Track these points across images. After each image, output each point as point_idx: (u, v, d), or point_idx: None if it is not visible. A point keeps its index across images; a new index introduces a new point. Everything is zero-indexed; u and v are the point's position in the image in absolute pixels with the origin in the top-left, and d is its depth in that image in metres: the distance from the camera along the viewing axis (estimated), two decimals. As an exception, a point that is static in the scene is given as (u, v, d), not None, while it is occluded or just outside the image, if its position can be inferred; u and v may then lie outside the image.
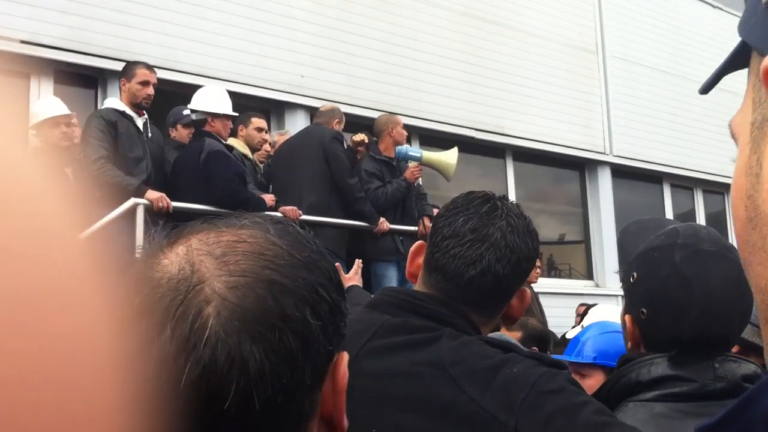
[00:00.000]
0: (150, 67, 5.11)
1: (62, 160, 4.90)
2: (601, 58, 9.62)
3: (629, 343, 1.50)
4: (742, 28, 0.48)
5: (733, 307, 1.38)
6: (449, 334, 1.35)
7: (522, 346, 1.79)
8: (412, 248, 1.54)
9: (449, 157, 6.11)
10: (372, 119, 7.24)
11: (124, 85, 5.03)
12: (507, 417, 1.22)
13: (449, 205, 1.50)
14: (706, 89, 0.56)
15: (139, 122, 5.04)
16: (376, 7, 7.64)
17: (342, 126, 5.99)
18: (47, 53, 5.72)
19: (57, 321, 0.27)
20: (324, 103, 6.41)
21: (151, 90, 5.04)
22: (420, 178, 6.13)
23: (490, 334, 1.51)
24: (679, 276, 1.38)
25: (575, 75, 9.27)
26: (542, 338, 4.44)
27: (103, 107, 5.06)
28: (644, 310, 1.44)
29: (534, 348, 4.18)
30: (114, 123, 4.82)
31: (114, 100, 5.06)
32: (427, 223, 6.04)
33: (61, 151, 4.92)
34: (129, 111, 4.97)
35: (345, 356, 0.77)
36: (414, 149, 6.19)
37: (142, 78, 5.00)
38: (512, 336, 4.21)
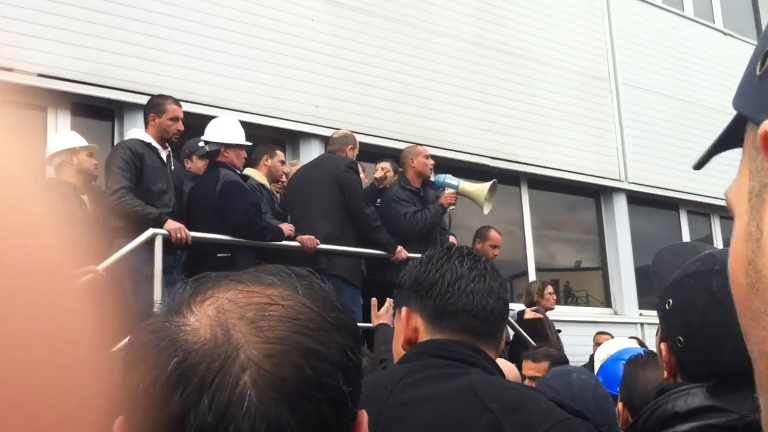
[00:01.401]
0: (178, 102, 5.17)
1: (82, 188, 4.96)
2: (613, 85, 9.63)
3: (665, 372, 1.46)
4: (737, 101, 0.48)
5: None
6: (478, 371, 1.43)
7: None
8: (402, 315, 1.57)
9: (485, 188, 6.13)
10: (386, 148, 7.29)
11: (153, 119, 5.03)
12: None
13: (423, 262, 1.59)
14: (699, 165, 0.57)
15: (164, 155, 5.06)
16: (391, 38, 7.70)
17: (356, 152, 5.97)
18: (64, 86, 5.77)
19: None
20: (339, 132, 6.45)
21: (181, 125, 5.10)
22: (454, 206, 6.15)
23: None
24: (717, 304, 1.33)
25: (588, 102, 9.28)
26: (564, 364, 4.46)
27: (129, 138, 5.05)
28: (681, 339, 1.40)
29: None
30: (141, 155, 4.84)
31: (139, 132, 5.07)
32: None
33: (89, 179, 5.05)
34: (155, 143, 4.99)
35: (365, 415, 0.77)
36: (452, 178, 6.22)
37: (173, 114, 5.06)
38: (539, 366, 4.20)
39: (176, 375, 0.66)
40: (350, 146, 5.91)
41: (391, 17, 7.77)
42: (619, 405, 2.10)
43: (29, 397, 0.26)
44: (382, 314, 4.01)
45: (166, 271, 4.81)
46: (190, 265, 5.14)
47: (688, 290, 1.39)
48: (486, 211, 6.23)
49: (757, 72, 0.44)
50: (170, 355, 0.67)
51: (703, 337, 1.35)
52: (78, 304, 0.31)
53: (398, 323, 1.60)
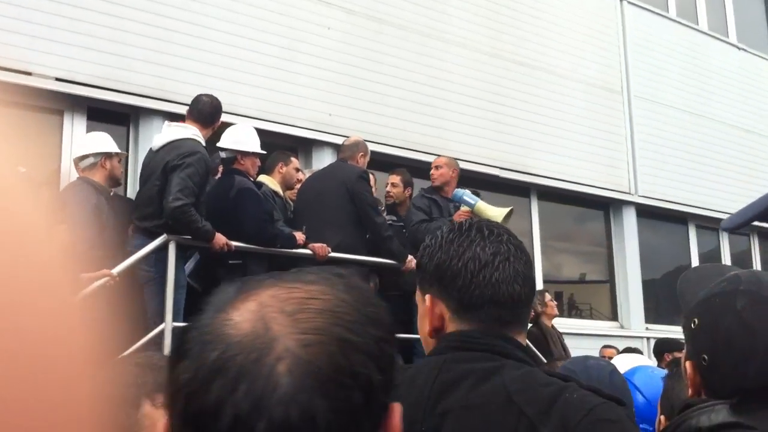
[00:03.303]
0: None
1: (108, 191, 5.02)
2: (626, 97, 9.63)
3: (690, 390, 1.49)
4: None
5: None
6: (511, 365, 1.40)
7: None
8: (427, 304, 1.51)
9: (499, 213, 6.10)
10: (398, 157, 7.32)
11: (216, 126, 5.19)
12: None
13: (443, 247, 1.50)
14: (732, 229, 0.53)
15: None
16: (405, 47, 7.72)
17: (367, 159, 5.97)
18: (81, 90, 5.81)
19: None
20: (351, 140, 6.48)
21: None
22: None
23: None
24: (741, 323, 1.37)
25: (600, 114, 9.28)
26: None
27: (198, 140, 4.92)
28: (706, 357, 1.43)
29: None
30: (209, 171, 4.91)
31: (197, 133, 4.98)
32: None
33: (114, 185, 5.12)
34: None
35: (398, 408, 0.78)
36: (470, 195, 6.15)
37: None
38: None
39: (216, 366, 0.69)
40: (361, 153, 5.90)
41: (406, 26, 7.80)
42: (661, 417, 2.11)
43: (22, 408, 0.26)
44: None
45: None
46: (200, 271, 5.19)
47: (714, 310, 1.43)
48: None
49: None
50: (212, 348, 0.71)
51: (728, 355, 1.38)
52: (74, 319, 0.31)
53: (422, 305, 1.55)
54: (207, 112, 5.05)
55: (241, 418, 0.67)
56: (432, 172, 6.38)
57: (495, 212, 6.06)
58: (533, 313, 7.03)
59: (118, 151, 5.15)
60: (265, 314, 0.72)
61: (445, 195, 6.25)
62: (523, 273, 1.48)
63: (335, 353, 0.70)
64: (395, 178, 6.52)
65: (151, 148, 5.05)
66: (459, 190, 6.17)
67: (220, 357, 0.70)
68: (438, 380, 1.41)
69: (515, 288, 1.46)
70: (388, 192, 6.51)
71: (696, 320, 1.46)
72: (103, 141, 5.13)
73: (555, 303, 7.33)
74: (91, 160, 4.99)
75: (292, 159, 5.92)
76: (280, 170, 5.79)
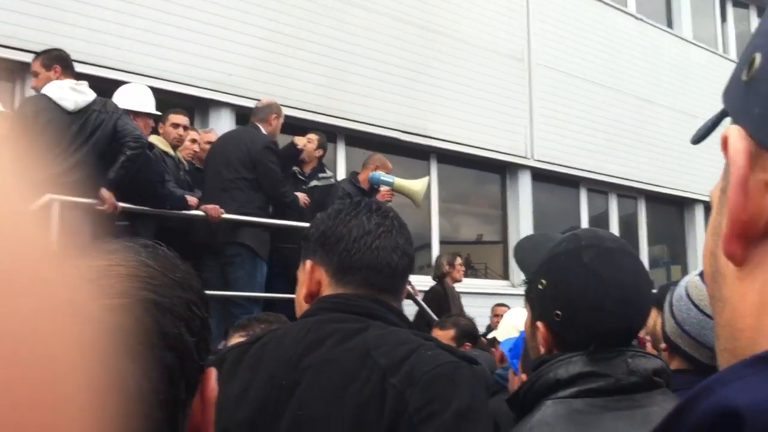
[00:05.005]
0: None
1: None
2: (527, 65, 9.89)
3: (543, 349, 1.56)
4: (725, 96, 0.50)
5: (643, 296, 1.51)
6: (378, 326, 1.48)
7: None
8: (306, 268, 1.60)
9: (418, 185, 6.30)
10: (300, 119, 7.36)
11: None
12: (406, 389, 1.34)
13: (332, 216, 1.60)
14: (697, 140, 0.58)
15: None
16: (308, 8, 7.71)
17: (280, 120, 5.99)
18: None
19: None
20: (250, 102, 6.49)
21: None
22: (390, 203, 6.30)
23: None
24: (591, 273, 1.47)
25: (502, 81, 9.51)
26: (473, 335, 4.65)
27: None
28: (559, 312, 1.50)
29: (467, 344, 4.39)
30: None
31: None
32: None
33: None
34: None
35: (213, 372, 0.80)
36: (386, 176, 6.34)
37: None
38: (446, 334, 4.39)
39: None
40: (274, 115, 5.91)
41: (310, -13, 7.78)
42: (523, 376, 2.21)
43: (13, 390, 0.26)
44: None
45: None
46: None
47: (561, 267, 1.51)
48: (418, 205, 6.46)
49: (743, 77, 0.45)
50: None
51: (582, 305, 1.47)
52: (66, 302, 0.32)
53: (302, 275, 1.61)
54: (69, 59, 5.05)
55: None
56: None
57: (417, 185, 6.27)
58: (440, 272, 7.24)
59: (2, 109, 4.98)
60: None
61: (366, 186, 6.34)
62: (403, 247, 1.57)
63: (142, 315, 0.70)
64: (312, 136, 6.54)
65: (60, 107, 4.76)
66: (374, 173, 6.30)
67: None
68: (306, 339, 1.47)
69: (393, 258, 1.54)
70: (304, 146, 6.50)
71: (543, 281, 1.53)
72: None
73: (464, 269, 7.54)
74: None
75: (170, 116, 5.73)
76: (161, 129, 5.72)
